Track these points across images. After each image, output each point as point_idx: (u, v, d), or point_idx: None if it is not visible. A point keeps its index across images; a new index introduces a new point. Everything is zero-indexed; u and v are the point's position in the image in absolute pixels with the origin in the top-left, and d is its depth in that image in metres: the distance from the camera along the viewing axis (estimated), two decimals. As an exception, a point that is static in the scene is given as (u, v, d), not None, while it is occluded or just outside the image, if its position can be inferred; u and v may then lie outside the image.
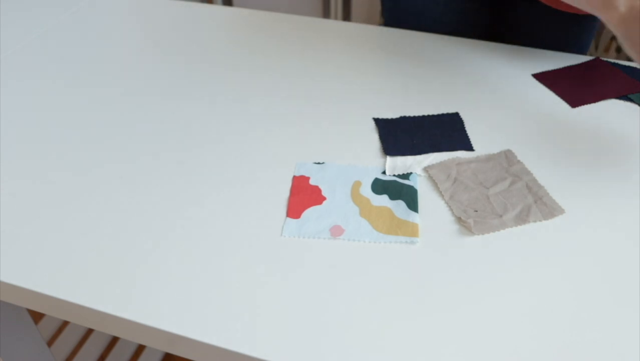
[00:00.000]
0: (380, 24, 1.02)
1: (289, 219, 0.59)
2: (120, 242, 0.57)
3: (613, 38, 1.90)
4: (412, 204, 0.59)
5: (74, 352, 1.26)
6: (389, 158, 0.66)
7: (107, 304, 0.51)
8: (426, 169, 0.64)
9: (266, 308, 0.50)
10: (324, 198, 0.61)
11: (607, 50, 1.98)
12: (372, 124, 0.71)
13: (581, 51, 0.94)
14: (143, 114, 0.74)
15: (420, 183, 0.63)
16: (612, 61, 0.81)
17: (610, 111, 0.72)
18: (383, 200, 0.61)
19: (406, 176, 0.63)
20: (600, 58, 0.82)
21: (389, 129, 0.70)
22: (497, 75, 0.79)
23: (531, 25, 0.93)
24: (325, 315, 0.50)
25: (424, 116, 0.72)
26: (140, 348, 1.30)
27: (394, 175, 0.63)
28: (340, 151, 0.67)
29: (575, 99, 0.75)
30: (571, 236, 0.56)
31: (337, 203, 0.60)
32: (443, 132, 0.69)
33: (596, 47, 2.12)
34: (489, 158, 0.65)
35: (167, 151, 0.68)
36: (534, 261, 0.54)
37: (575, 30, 0.92)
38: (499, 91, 0.76)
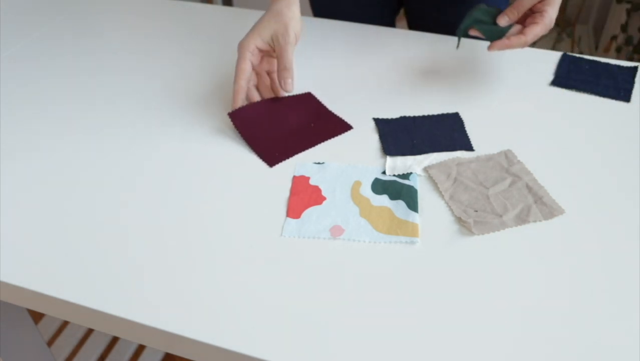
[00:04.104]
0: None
1: (289, 219, 0.59)
2: (121, 242, 0.57)
3: (613, 38, 1.90)
4: (412, 204, 0.59)
5: (74, 352, 1.26)
6: (389, 158, 0.66)
7: (107, 304, 0.51)
8: (426, 169, 0.64)
9: (266, 308, 0.50)
10: (324, 198, 0.61)
11: (607, 50, 1.98)
12: (372, 124, 0.71)
13: None
14: (143, 113, 0.74)
15: (420, 183, 0.63)
16: (590, 57, 0.81)
17: (610, 111, 0.72)
18: (383, 200, 0.61)
19: (406, 176, 0.63)
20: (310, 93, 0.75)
21: (389, 129, 0.70)
22: (497, 75, 0.79)
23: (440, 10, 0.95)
24: (325, 315, 0.50)
25: (424, 116, 0.72)
26: (140, 348, 1.30)
27: (394, 175, 0.63)
28: (340, 151, 0.67)
29: (271, 156, 0.66)
30: (571, 236, 0.56)
31: (337, 203, 0.60)
32: (443, 132, 0.69)
33: (596, 47, 2.12)
34: (489, 158, 0.65)
35: (167, 150, 0.68)
36: (534, 261, 0.54)
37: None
38: (499, 90, 0.76)
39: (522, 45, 0.70)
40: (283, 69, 0.69)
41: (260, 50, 0.71)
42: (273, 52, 0.71)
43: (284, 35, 0.69)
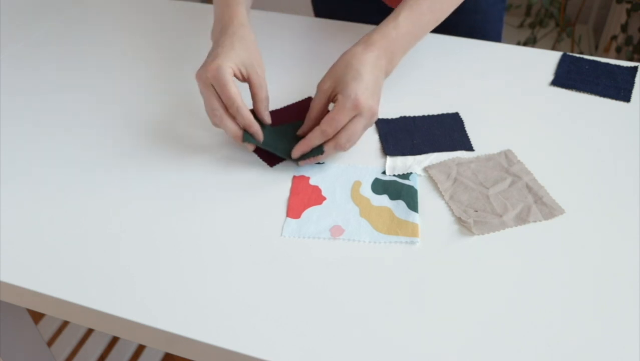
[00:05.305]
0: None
1: (289, 219, 0.59)
2: (121, 242, 0.57)
3: (613, 38, 1.90)
4: (412, 204, 0.59)
5: (74, 352, 1.26)
6: (389, 158, 0.66)
7: (107, 304, 0.51)
8: (426, 169, 0.64)
9: (266, 308, 0.50)
10: (324, 198, 0.61)
11: (607, 50, 1.98)
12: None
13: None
14: (142, 114, 0.74)
15: (420, 183, 0.63)
16: (590, 57, 0.81)
17: (610, 111, 0.72)
18: (383, 200, 0.61)
19: (406, 176, 0.63)
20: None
21: (389, 129, 0.70)
22: (497, 75, 0.79)
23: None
24: (325, 315, 0.50)
25: (424, 116, 0.72)
26: (140, 348, 1.30)
27: (394, 175, 0.63)
28: (340, 151, 0.67)
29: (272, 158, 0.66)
30: (571, 236, 0.56)
31: (337, 203, 0.60)
32: (443, 132, 0.69)
33: (596, 47, 2.12)
34: (489, 158, 0.65)
35: (167, 150, 0.68)
36: (534, 261, 0.54)
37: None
38: (499, 90, 0.76)
39: (324, 135, 0.61)
40: (265, 98, 0.65)
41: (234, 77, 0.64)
42: (243, 81, 0.65)
43: (260, 64, 0.65)
